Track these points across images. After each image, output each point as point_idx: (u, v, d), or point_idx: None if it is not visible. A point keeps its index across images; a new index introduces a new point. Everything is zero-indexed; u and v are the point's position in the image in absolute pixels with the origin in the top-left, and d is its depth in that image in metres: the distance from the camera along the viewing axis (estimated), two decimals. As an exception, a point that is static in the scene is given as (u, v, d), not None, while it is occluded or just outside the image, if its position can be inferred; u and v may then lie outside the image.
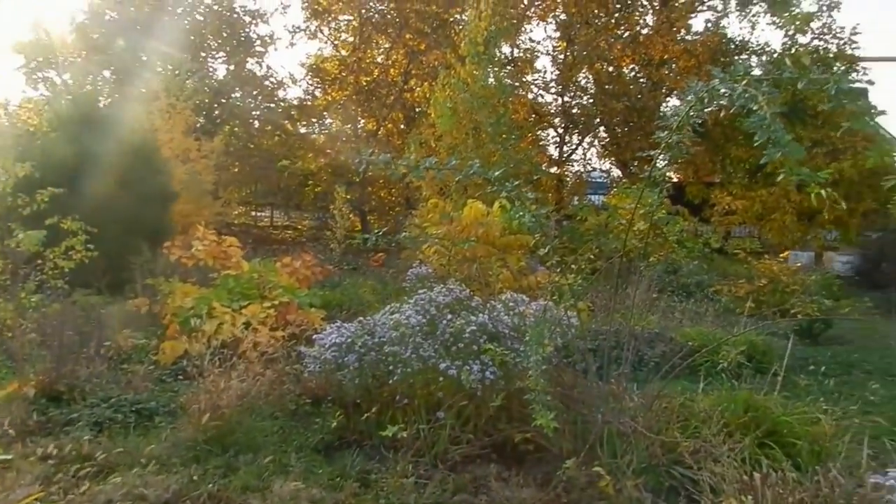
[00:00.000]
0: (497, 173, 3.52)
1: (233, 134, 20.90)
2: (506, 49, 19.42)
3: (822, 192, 2.63)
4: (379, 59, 22.23)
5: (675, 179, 20.56)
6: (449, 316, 4.67)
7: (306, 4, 21.53)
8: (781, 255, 11.24)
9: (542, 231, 3.82)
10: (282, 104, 22.47)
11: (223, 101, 21.16)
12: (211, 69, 22.14)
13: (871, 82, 16.87)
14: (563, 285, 4.01)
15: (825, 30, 17.64)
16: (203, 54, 21.57)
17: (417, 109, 21.76)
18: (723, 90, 2.81)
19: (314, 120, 24.02)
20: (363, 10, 20.75)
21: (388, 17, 20.76)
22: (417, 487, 3.73)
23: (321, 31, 22.19)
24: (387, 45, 21.90)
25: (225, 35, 21.68)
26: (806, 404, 4.22)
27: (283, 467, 3.95)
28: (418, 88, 21.44)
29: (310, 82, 23.18)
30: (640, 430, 3.75)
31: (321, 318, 6.98)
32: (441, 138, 12.26)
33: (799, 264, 12.08)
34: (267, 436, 4.34)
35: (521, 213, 3.64)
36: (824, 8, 17.50)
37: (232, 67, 22.01)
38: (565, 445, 4.12)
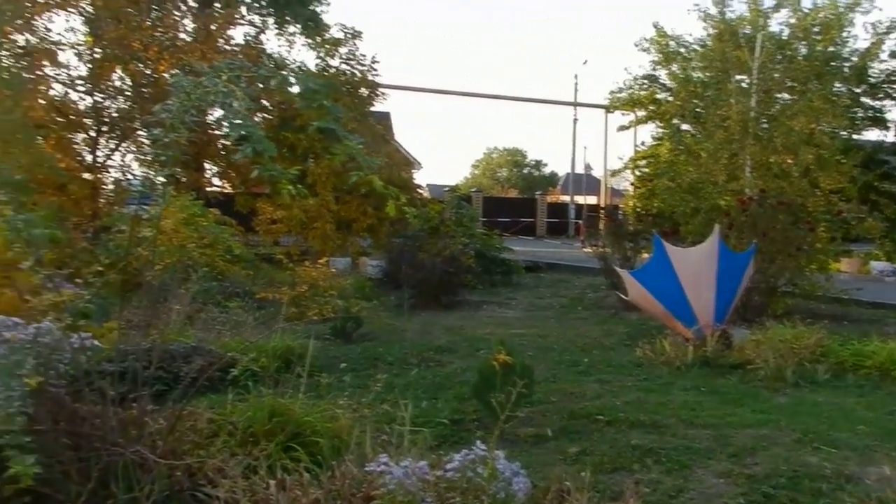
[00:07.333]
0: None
1: None
2: (19, 37, 16.70)
3: (291, 188, 2.70)
4: None
5: (225, 190, 20.40)
6: None
7: None
8: (320, 261, 11.93)
9: (18, 240, 3.18)
10: None
11: None
12: None
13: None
14: (59, 304, 3.44)
15: (350, 56, 19.44)
16: None
17: None
18: (207, 85, 2.68)
19: None
20: None
21: None
22: None
23: None
24: None
25: None
26: (327, 402, 4.40)
27: None
28: None
29: None
30: (155, 459, 3.41)
31: None
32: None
33: (334, 270, 13.04)
34: None
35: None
36: (349, 36, 19.29)
37: None
38: (74, 489, 3.56)
